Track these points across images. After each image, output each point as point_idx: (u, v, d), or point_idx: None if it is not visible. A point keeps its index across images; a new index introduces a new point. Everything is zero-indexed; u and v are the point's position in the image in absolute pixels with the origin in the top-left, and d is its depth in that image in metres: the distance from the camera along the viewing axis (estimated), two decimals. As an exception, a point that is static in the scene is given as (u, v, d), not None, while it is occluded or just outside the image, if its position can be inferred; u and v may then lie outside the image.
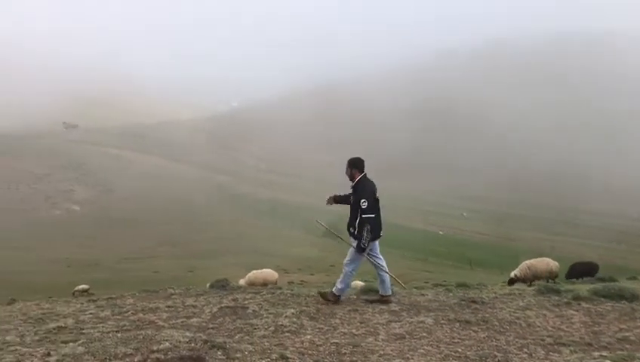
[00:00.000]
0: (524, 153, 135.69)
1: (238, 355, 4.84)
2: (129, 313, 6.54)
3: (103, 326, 5.85)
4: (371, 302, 7.20)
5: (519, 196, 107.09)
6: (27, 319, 6.50)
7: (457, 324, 6.17)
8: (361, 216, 6.86)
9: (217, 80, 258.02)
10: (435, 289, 9.88)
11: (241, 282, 10.33)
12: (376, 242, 7.22)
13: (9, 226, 52.94)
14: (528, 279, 17.57)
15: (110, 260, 39.19)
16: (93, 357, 4.70)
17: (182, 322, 5.96)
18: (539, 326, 6.16)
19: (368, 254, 7.14)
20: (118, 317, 6.36)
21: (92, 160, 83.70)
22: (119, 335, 5.43)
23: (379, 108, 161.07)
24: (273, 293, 7.82)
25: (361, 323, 6.15)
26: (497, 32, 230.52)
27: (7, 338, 5.46)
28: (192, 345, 5.01)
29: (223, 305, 6.76)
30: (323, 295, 7.27)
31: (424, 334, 5.77)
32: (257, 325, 5.83)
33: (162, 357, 4.67)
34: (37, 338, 5.44)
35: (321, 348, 5.18)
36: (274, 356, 4.87)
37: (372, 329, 5.88)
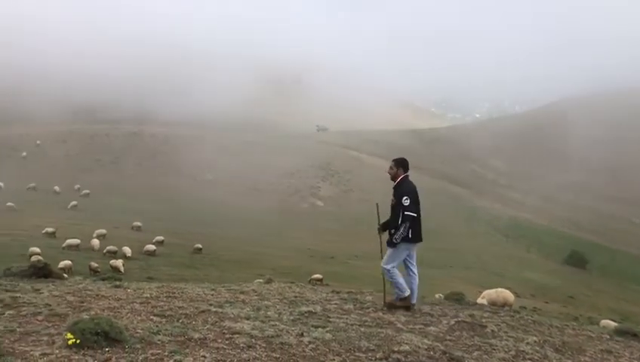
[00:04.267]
0: None
1: (476, 373, 4.75)
2: (369, 309, 6.89)
3: (347, 318, 6.27)
4: (395, 307, 6.94)
5: None
6: (283, 299, 7.31)
7: None
8: (403, 213, 6.70)
9: (463, 89, 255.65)
10: None
11: (480, 300, 10.06)
12: (415, 247, 7.00)
13: (269, 214, 60.22)
14: None
15: (343, 255, 41.75)
16: (339, 346, 5.08)
17: (419, 328, 6.06)
18: None
19: (405, 259, 6.99)
20: (360, 312, 6.75)
21: (336, 161, 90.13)
22: (362, 329, 5.76)
23: None
24: (512, 316, 7.45)
25: (614, 366, 5.51)
26: None
27: (269, 313, 6.23)
28: (431, 353, 5.07)
29: (459, 319, 6.69)
30: (390, 305, 7.02)
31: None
32: (497, 346, 5.62)
33: (402, 358, 4.83)
34: (292, 318, 6.08)
35: (567, 385, 4.79)
36: (515, 381, 4.66)
37: (629, 377, 5.22)
